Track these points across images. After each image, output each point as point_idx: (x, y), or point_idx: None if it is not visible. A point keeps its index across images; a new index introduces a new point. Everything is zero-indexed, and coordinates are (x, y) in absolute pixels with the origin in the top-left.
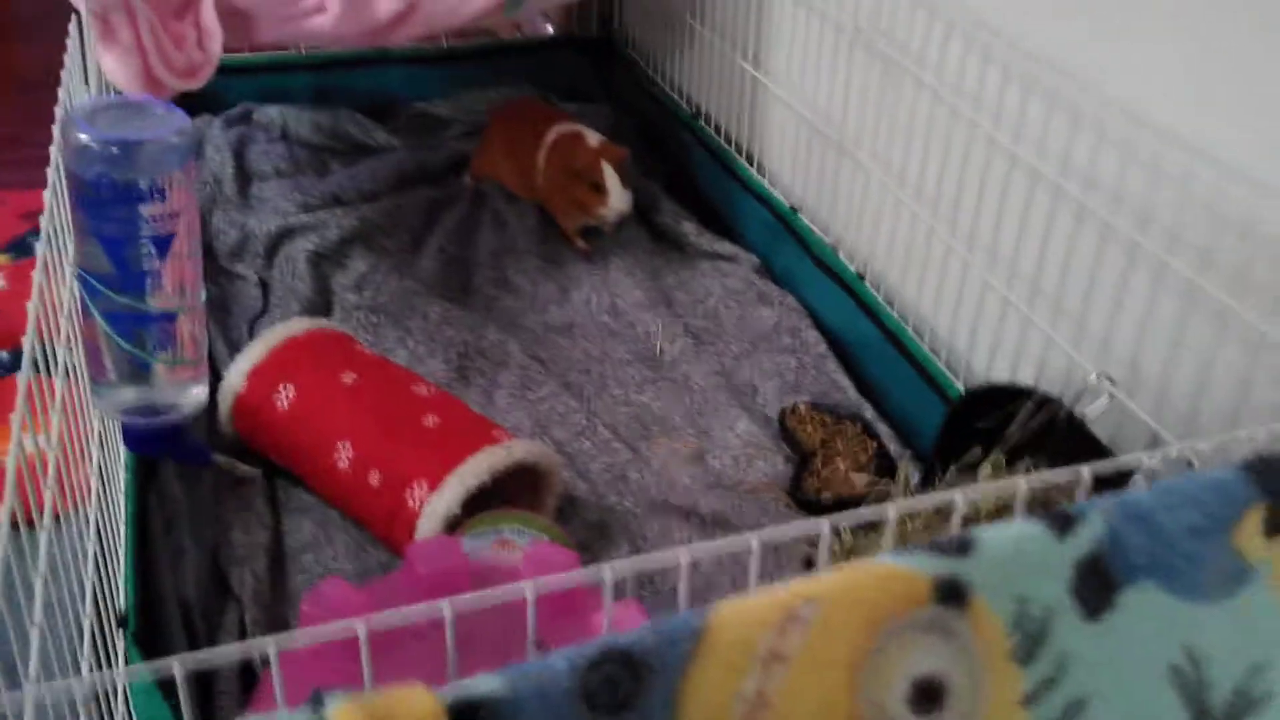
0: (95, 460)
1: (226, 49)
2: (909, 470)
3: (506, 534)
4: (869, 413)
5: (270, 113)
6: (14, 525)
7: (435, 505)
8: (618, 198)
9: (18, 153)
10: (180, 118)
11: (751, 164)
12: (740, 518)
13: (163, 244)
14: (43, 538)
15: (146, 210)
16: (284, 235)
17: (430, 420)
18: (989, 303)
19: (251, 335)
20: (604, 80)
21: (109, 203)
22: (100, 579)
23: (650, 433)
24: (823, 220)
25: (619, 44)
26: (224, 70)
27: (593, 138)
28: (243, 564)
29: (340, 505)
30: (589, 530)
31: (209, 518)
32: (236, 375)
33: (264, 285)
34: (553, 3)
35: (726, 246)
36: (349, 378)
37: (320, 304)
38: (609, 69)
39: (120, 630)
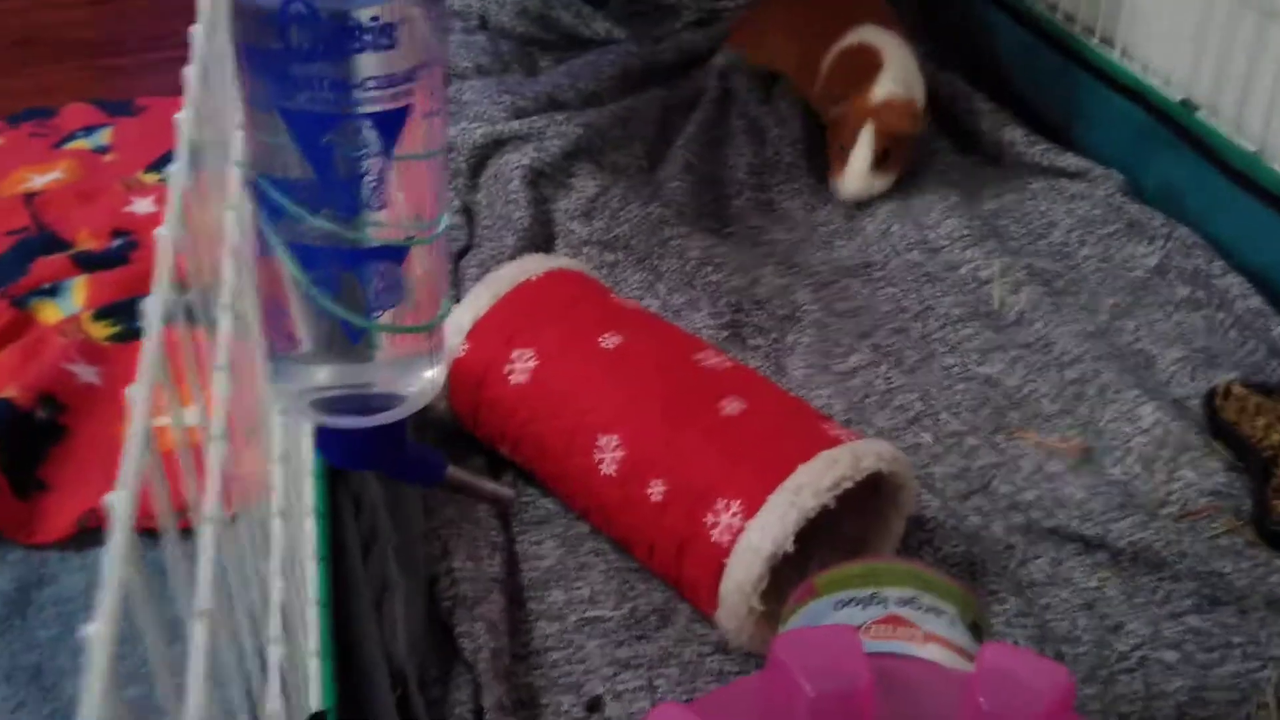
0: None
1: None
2: None
3: (894, 605)
4: None
5: None
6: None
7: (756, 538)
8: (853, 180)
9: (162, 52)
10: None
11: (1111, 47)
12: (1178, 555)
13: (391, 126)
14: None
15: (366, 63)
16: (493, 147)
17: (732, 406)
18: None
19: (457, 279)
20: None
21: (304, 52)
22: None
23: (1008, 421)
24: (1235, 117)
25: None
26: None
27: (888, 79)
28: (471, 607)
29: (596, 519)
30: (948, 569)
31: (419, 531)
32: (453, 333)
33: (468, 212)
34: None
35: (1072, 159)
36: (611, 340)
37: (540, 236)
38: None
39: None
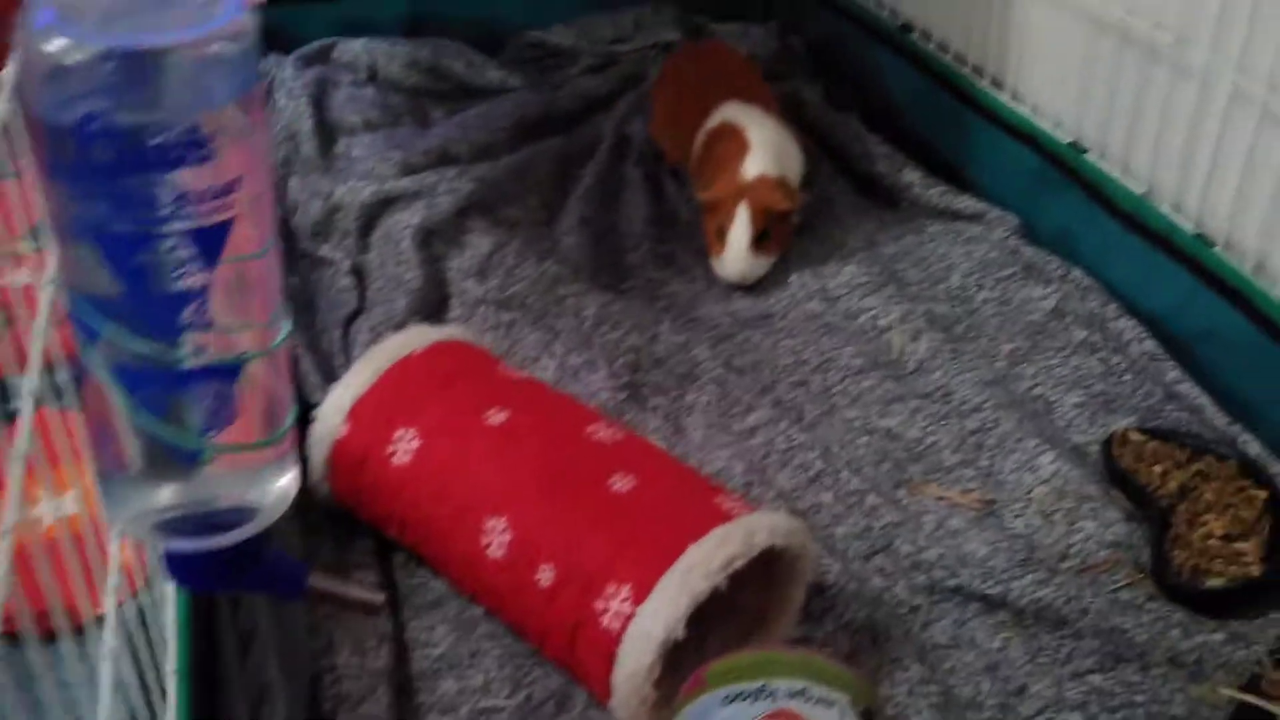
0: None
1: None
2: None
3: (783, 698)
4: (1250, 445)
5: (354, 48)
6: None
7: (647, 624)
8: (734, 262)
9: None
10: (232, 4)
11: (1001, 89)
12: (1080, 612)
13: (212, 242)
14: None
15: (178, 179)
16: (381, 206)
17: (622, 483)
18: None
19: (346, 344)
20: None
21: (107, 169)
22: None
23: (909, 475)
24: (1124, 159)
25: None
26: None
27: (756, 159)
28: (354, 706)
29: (487, 602)
30: (852, 635)
31: (303, 625)
32: (332, 413)
33: (358, 274)
34: None
35: (969, 202)
36: (497, 416)
37: (433, 297)
38: None
39: None
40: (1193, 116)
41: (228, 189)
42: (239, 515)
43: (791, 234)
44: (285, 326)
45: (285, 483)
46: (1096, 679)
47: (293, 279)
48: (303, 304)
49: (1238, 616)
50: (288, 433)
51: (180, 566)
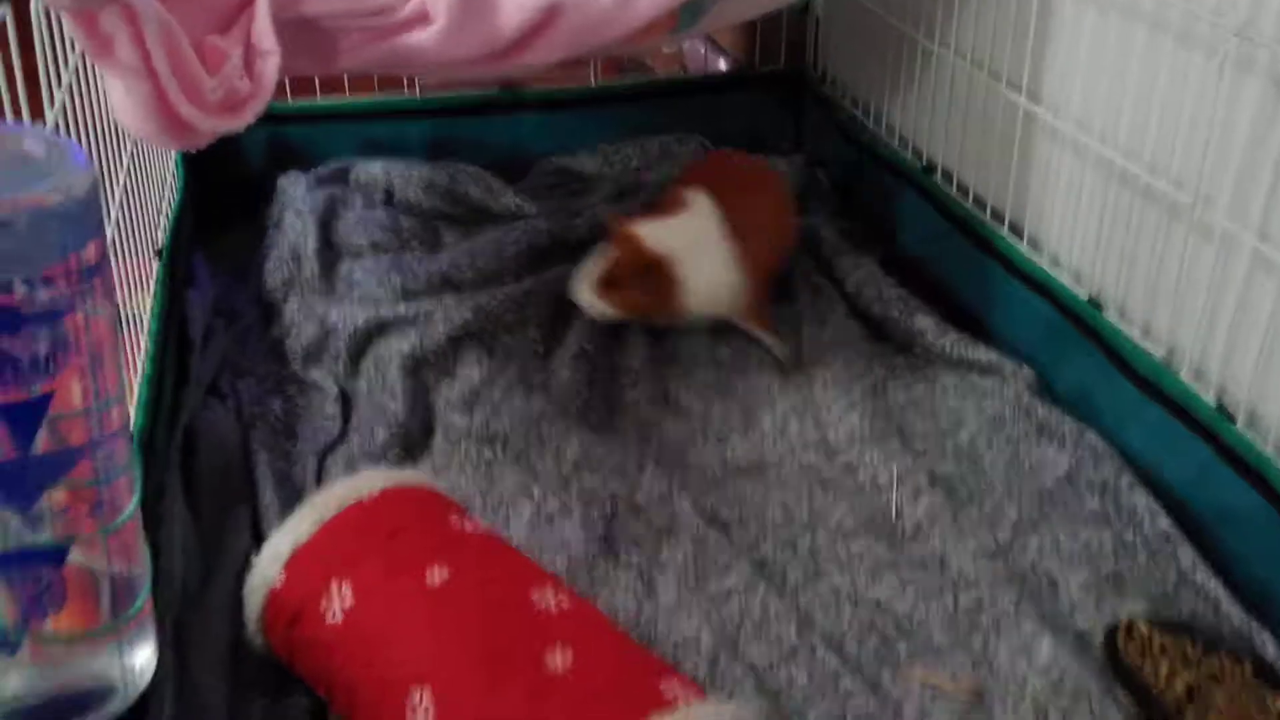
0: None
1: (293, 76)
2: None
3: None
4: (1268, 645)
5: (373, 170)
6: None
7: None
8: (577, 283)
9: None
10: (68, 158)
11: (1020, 236)
12: None
13: (25, 420)
14: None
15: None
16: (374, 332)
17: (558, 660)
18: None
19: (321, 474)
20: (795, 126)
21: None
22: None
23: (895, 654)
24: (1143, 318)
25: (813, 79)
26: (315, 117)
27: (673, 227)
28: None
29: None
30: None
31: None
32: (269, 561)
33: (345, 401)
34: (736, 16)
35: (983, 353)
36: (437, 576)
37: (417, 430)
38: (800, 111)
39: None
40: (1214, 280)
41: (50, 359)
42: (94, 697)
43: (655, 305)
44: (130, 504)
45: (140, 659)
46: None
47: (278, 402)
48: (285, 431)
49: None
50: (138, 610)
51: None
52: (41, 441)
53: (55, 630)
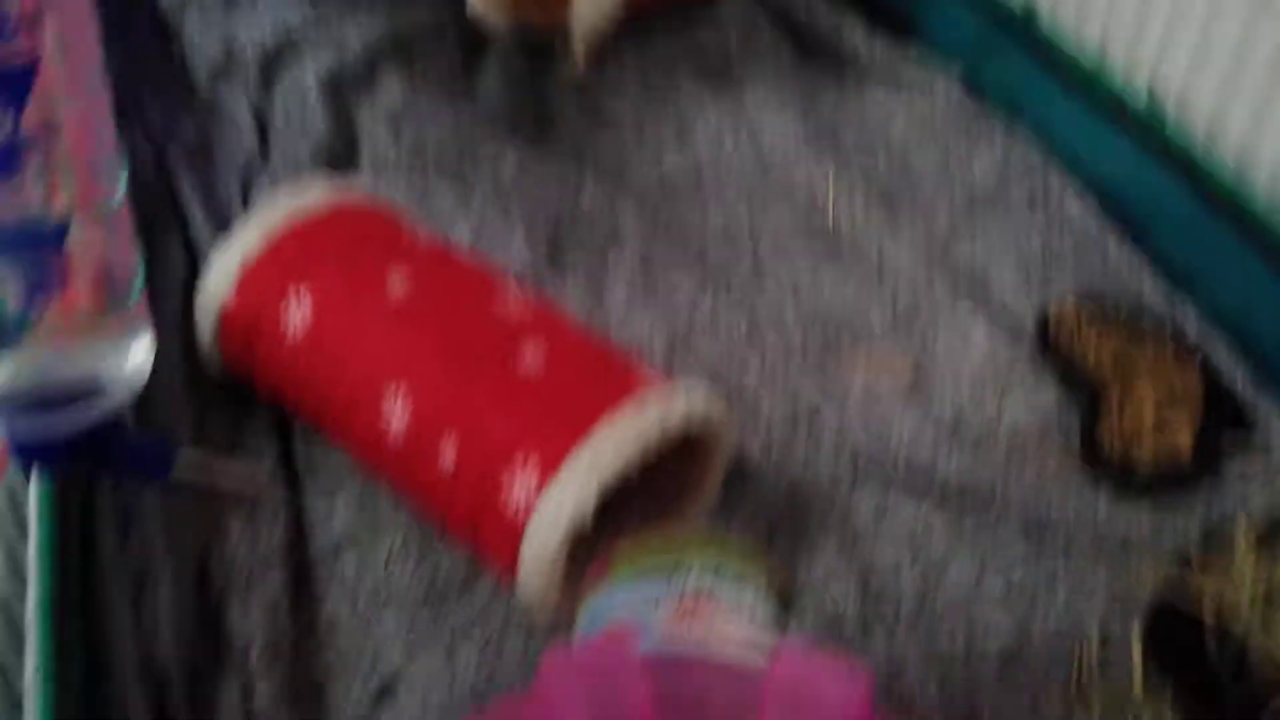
0: None
1: None
2: (1274, 416)
3: (695, 578)
4: (1189, 319)
5: None
6: None
7: (554, 509)
8: None
9: None
10: None
11: None
12: (1005, 493)
13: (14, 87)
14: None
15: None
16: (285, 50)
17: (531, 355)
18: None
19: (246, 199)
20: None
21: None
22: None
23: (839, 348)
24: (1075, 21)
25: None
26: None
27: None
28: (245, 588)
29: (390, 479)
30: (771, 514)
31: (190, 504)
32: (220, 277)
33: (260, 121)
34: None
35: (913, 59)
36: (398, 282)
37: (341, 151)
38: None
39: None
40: None
41: (29, 24)
42: (84, 392)
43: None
44: (119, 186)
45: (136, 356)
46: (1019, 564)
47: (189, 125)
48: (199, 150)
49: (1166, 498)
50: (135, 301)
51: (29, 449)
52: (25, 120)
53: (57, 316)
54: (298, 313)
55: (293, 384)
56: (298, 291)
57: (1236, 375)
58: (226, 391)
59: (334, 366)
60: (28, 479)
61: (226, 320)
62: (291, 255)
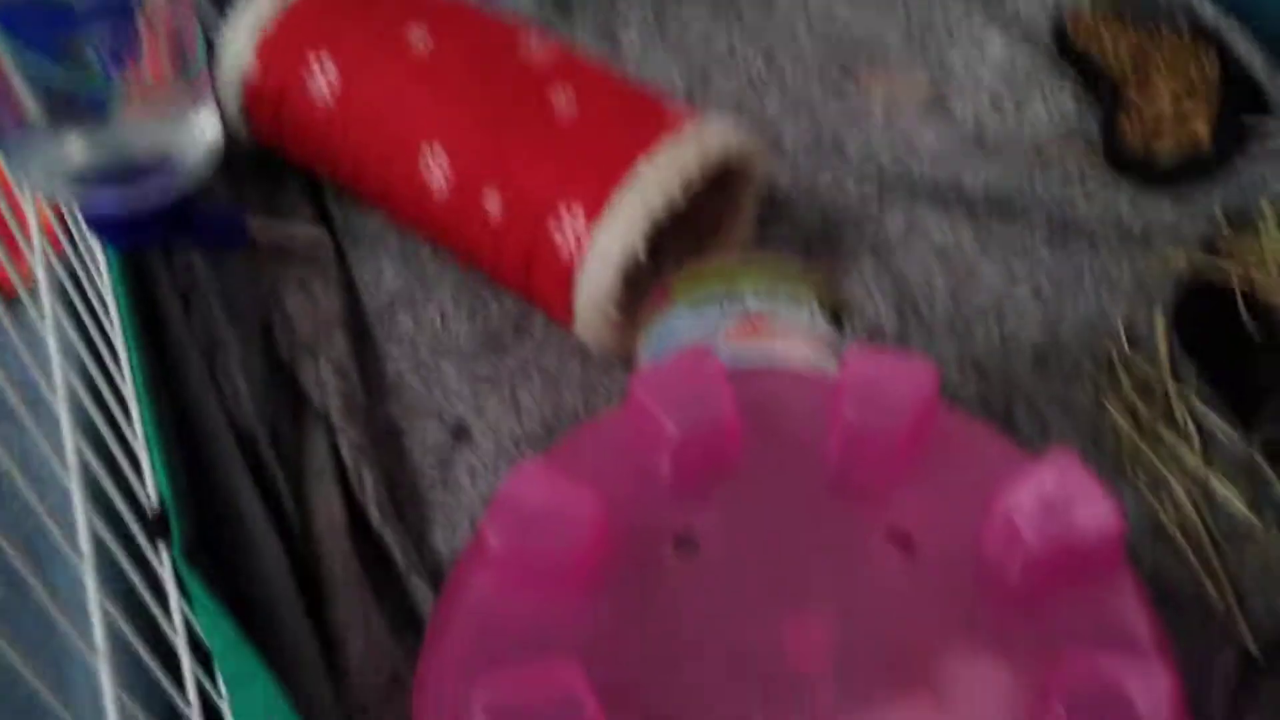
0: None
1: None
2: None
3: (753, 301)
4: (1204, 5)
5: None
6: None
7: (604, 247)
8: None
9: None
10: None
11: None
12: (1031, 196)
13: None
14: None
15: None
16: None
17: (562, 101)
18: None
19: None
20: None
21: None
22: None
23: (855, 68)
24: None
25: None
26: None
27: None
28: (313, 350)
29: (435, 236)
30: (804, 238)
31: (243, 278)
32: (238, 49)
33: None
34: None
35: None
36: (419, 39)
37: None
38: None
39: (160, 539)
40: None
41: None
42: (160, 165)
43: None
44: None
45: (207, 129)
46: (1047, 260)
47: None
48: None
49: (1188, 186)
50: (200, 71)
51: (109, 225)
52: None
53: (139, 86)
54: (323, 78)
55: (325, 150)
56: (318, 57)
57: (1254, 59)
58: (257, 162)
59: (367, 129)
60: (112, 251)
61: (250, 93)
62: (308, 19)
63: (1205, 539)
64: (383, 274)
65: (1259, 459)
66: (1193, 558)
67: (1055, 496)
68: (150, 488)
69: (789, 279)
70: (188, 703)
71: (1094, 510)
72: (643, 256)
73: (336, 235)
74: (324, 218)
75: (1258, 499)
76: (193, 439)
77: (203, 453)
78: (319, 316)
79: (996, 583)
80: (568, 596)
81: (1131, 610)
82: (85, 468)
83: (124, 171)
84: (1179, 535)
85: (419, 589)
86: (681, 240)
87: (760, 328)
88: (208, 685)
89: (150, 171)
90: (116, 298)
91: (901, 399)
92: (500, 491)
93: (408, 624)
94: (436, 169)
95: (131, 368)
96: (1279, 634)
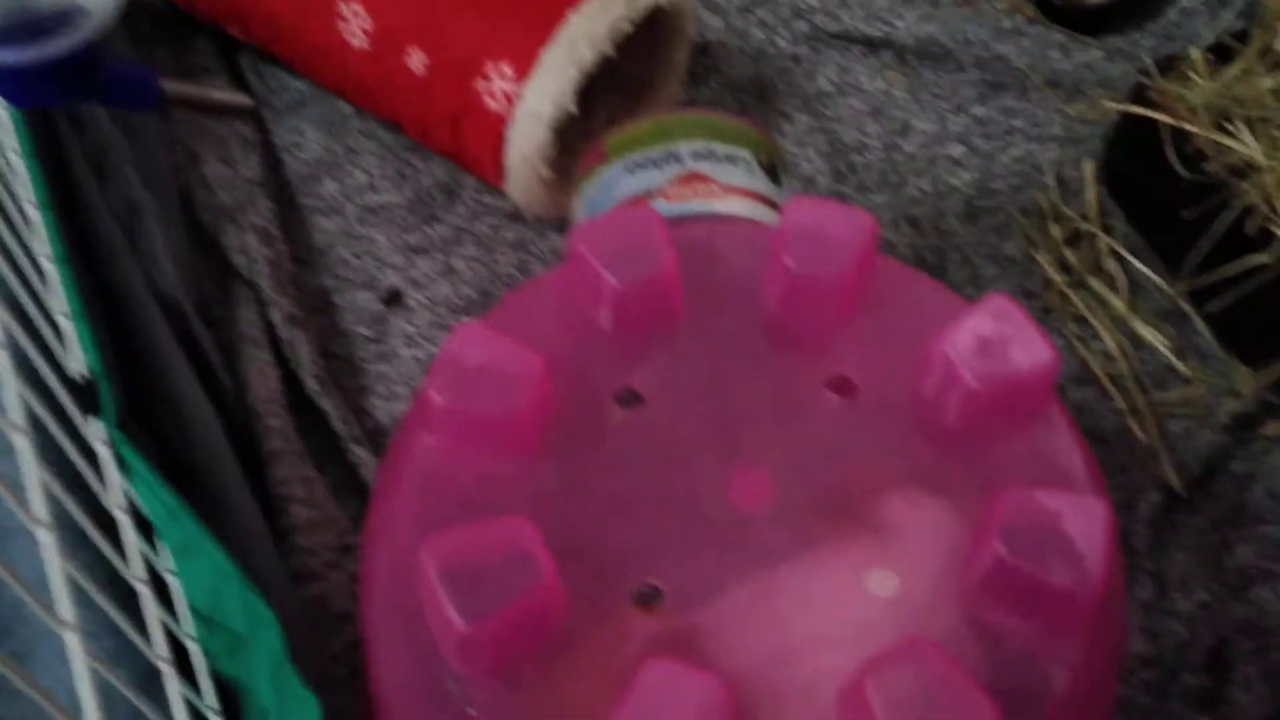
0: None
1: None
2: None
3: (689, 160)
4: None
5: None
6: None
7: (534, 103)
8: None
9: None
10: None
11: None
12: (962, 45)
13: None
14: None
15: None
16: None
17: None
18: None
19: None
20: None
21: None
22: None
23: None
24: None
25: None
26: None
27: None
28: (235, 216)
29: (356, 98)
30: (736, 94)
31: (157, 141)
32: None
33: None
34: None
35: None
36: None
37: None
38: None
39: (91, 412)
40: None
41: None
42: (65, 17)
43: None
44: None
45: None
46: (978, 109)
47: None
48: None
49: (1117, 32)
50: None
51: (9, 80)
52: None
53: None
54: None
55: (237, 6)
56: None
57: None
58: (164, 24)
59: None
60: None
61: None
62: None
63: (1132, 382)
64: (304, 139)
65: (1184, 304)
66: (1119, 400)
67: (992, 338)
68: (78, 359)
69: (725, 135)
70: (135, 576)
71: (1029, 350)
72: (574, 110)
73: (255, 99)
74: (239, 82)
75: (1183, 343)
76: (116, 308)
77: (128, 322)
78: (239, 182)
79: (935, 424)
80: (513, 454)
81: (1066, 447)
82: (11, 340)
83: (26, 24)
84: (1104, 379)
85: (360, 457)
86: (612, 97)
87: (698, 184)
88: (153, 558)
89: (53, 22)
90: (27, 163)
91: (841, 247)
92: (441, 353)
93: (352, 492)
94: (356, 26)
95: (48, 236)
96: (1201, 472)
